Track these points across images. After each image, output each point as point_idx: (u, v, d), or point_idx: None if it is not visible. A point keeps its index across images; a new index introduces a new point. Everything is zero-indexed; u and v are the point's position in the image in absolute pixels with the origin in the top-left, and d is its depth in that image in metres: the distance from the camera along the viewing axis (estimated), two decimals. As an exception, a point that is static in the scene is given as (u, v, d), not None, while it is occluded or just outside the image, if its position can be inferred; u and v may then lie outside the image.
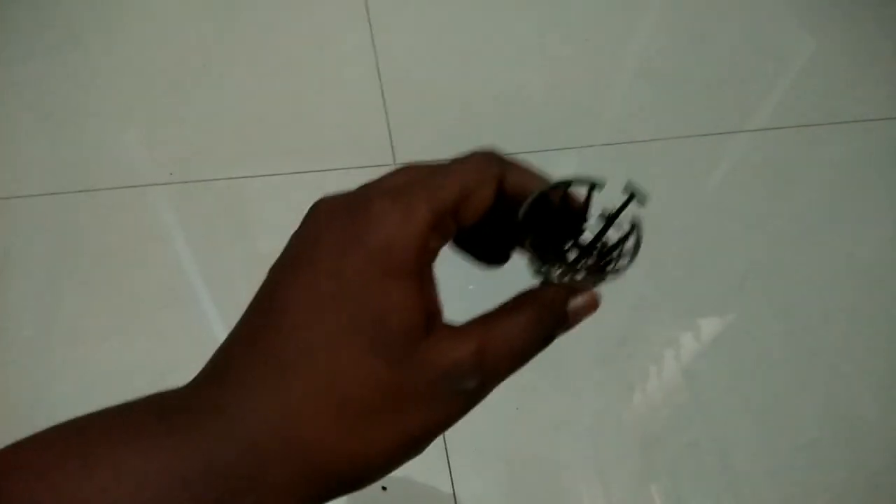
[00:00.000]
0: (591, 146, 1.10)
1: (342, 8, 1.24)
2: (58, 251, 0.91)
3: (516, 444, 0.80)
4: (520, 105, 1.14)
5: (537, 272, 0.26)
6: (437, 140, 1.06)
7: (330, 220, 0.22)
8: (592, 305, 0.25)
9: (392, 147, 1.04)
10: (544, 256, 0.25)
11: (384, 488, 0.72)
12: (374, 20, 1.22)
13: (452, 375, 0.21)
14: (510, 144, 1.07)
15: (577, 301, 0.24)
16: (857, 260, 1.00)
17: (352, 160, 1.02)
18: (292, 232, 0.23)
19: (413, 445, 0.22)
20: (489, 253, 0.28)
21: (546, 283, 0.25)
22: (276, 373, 0.20)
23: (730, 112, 1.18)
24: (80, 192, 0.96)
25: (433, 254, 0.23)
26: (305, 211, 0.23)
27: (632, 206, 0.26)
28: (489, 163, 0.24)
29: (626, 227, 0.26)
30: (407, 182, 0.23)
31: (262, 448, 0.19)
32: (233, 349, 0.22)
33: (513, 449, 0.79)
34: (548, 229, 0.26)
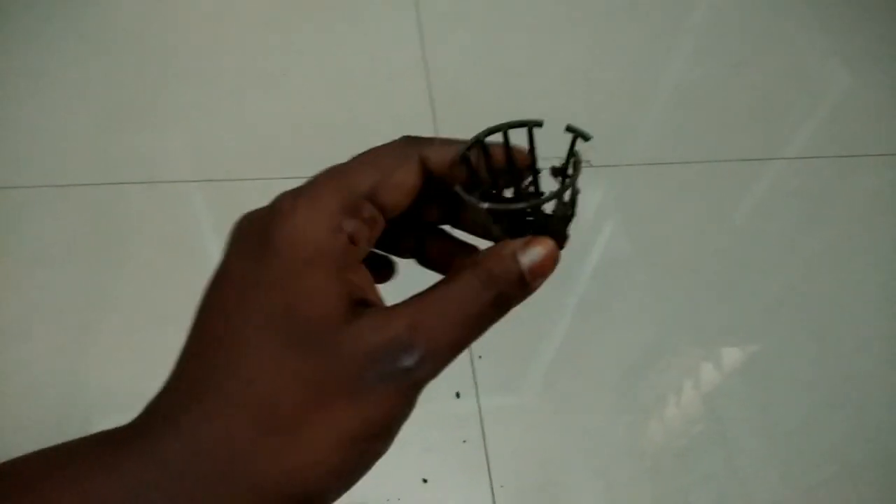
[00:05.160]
0: (628, 165, 1.12)
1: (396, 24, 1.29)
2: (115, 239, 0.95)
3: (550, 448, 0.82)
4: (562, 122, 1.16)
5: (483, 221, 0.22)
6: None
7: (240, 231, 0.21)
8: (551, 257, 0.21)
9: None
10: (492, 196, 0.23)
11: (425, 481, 0.74)
12: (426, 36, 1.27)
13: (382, 356, 0.19)
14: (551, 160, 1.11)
15: (533, 253, 0.20)
16: (891, 289, 1.01)
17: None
18: None
19: (359, 444, 0.19)
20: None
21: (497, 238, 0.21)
22: (190, 395, 0.19)
23: (766, 139, 1.20)
24: (140, 183, 1.01)
25: (356, 240, 0.21)
26: None
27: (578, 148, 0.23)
28: (403, 145, 0.23)
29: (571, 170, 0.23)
30: (314, 178, 0.22)
31: (179, 479, 0.17)
32: (165, 385, 0.20)
33: (548, 452, 0.81)
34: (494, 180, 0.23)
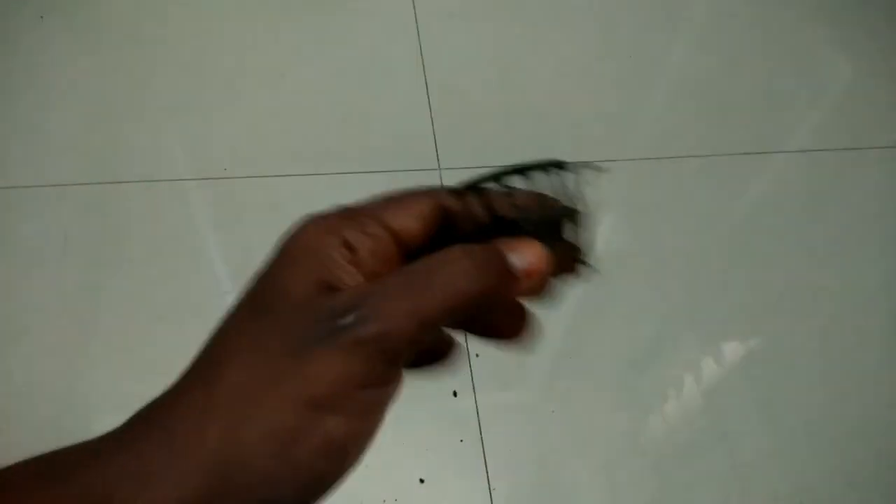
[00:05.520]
0: (629, 160, 1.11)
1: (393, 20, 1.28)
2: (112, 238, 0.95)
3: (548, 446, 0.81)
4: (561, 117, 1.16)
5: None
6: (480, 146, 1.09)
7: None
8: (540, 259, 0.22)
9: (437, 152, 1.07)
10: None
11: (422, 480, 0.74)
12: (423, 32, 1.26)
13: (323, 317, 0.19)
14: (549, 154, 1.10)
15: (522, 251, 0.21)
16: (894, 282, 1.00)
17: (398, 164, 1.05)
18: None
19: (304, 411, 0.18)
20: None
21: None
22: (177, 392, 0.20)
23: (768, 132, 1.19)
24: (137, 182, 1.00)
25: (353, 247, 0.21)
26: None
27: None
28: (418, 188, 0.24)
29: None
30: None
31: (147, 464, 0.18)
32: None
33: (546, 450, 0.81)
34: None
